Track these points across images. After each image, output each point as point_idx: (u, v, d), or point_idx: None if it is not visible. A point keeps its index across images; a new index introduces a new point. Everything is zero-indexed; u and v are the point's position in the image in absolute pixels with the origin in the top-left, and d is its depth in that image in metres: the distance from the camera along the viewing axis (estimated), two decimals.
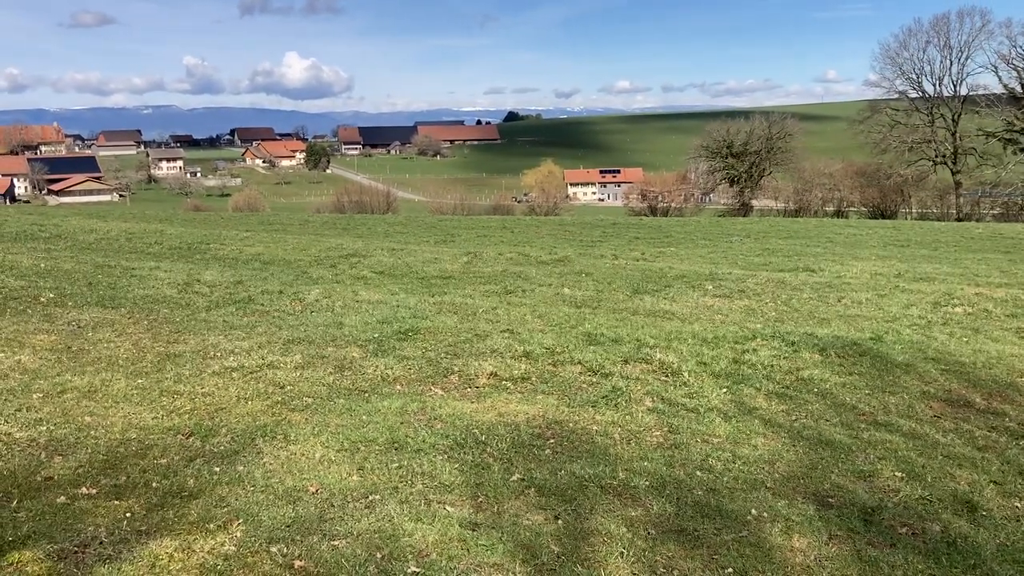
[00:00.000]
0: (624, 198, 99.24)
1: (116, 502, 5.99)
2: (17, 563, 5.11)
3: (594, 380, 9.51)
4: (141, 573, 5.10)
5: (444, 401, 8.60)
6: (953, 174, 74.45)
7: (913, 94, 79.06)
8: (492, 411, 8.32)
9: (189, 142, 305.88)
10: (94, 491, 6.16)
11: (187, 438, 7.30)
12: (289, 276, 16.98)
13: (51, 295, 13.04)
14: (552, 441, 7.57)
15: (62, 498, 6.00)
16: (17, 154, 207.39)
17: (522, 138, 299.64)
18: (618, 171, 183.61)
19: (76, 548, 5.31)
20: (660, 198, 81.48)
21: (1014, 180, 68.64)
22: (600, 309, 14.45)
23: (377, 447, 7.21)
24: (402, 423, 7.82)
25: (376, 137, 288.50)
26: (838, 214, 71.55)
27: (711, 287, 16.90)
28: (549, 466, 6.98)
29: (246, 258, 20.25)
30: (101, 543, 5.38)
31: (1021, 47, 70.73)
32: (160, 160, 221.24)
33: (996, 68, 72.57)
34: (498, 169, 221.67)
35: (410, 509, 6.06)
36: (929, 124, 76.56)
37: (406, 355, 10.23)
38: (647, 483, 6.72)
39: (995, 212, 68.15)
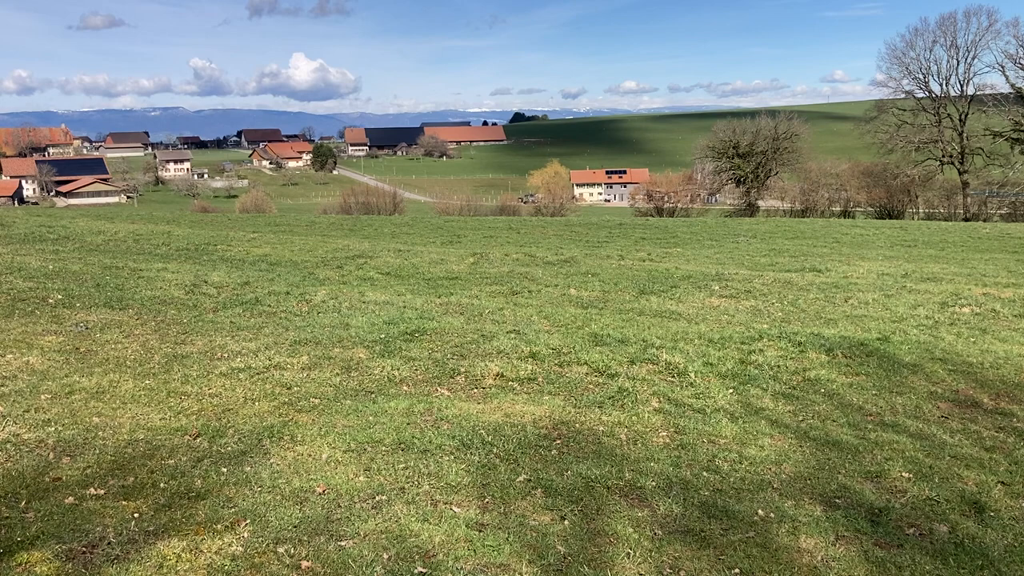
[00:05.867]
0: (630, 198, 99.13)
1: (124, 503, 6.02)
2: (26, 563, 5.13)
3: (600, 381, 9.52)
4: (149, 573, 5.12)
5: (451, 402, 8.62)
6: (960, 174, 74.09)
7: (920, 94, 78.69)
8: (498, 412, 8.33)
9: (196, 144, 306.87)
10: (102, 492, 6.18)
11: (194, 439, 7.33)
12: (296, 277, 17.01)
13: (59, 296, 13.10)
14: (558, 442, 7.57)
15: (70, 499, 6.03)
16: (25, 156, 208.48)
17: (528, 139, 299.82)
18: (624, 172, 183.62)
19: (84, 548, 5.33)
20: (666, 198, 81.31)
21: (1021, 180, 68.27)
22: (606, 310, 14.45)
23: (384, 448, 7.22)
24: (408, 424, 7.84)
25: (382, 138, 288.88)
26: (845, 214, 71.33)
27: (717, 287, 16.88)
28: (555, 467, 6.98)
29: (253, 259, 20.29)
30: (109, 543, 5.41)
31: None
32: (167, 162, 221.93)
33: (1003, 68, 72.14)
34: (504, 170, 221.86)
35: (417, 510, 6.07)
36: (936, 124, 76.17)
37: (412, 356, 10.24)
38: (654, 483, 6.72)
39: (1002, 212, 67.85)
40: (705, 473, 6.99)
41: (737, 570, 5.47)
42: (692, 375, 9.77)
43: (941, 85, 76.84)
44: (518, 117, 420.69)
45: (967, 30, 74.67)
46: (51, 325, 11.29)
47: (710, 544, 5.78)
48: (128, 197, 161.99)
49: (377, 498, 6.24)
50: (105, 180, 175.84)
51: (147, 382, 8.94)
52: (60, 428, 7.46)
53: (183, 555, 5.33)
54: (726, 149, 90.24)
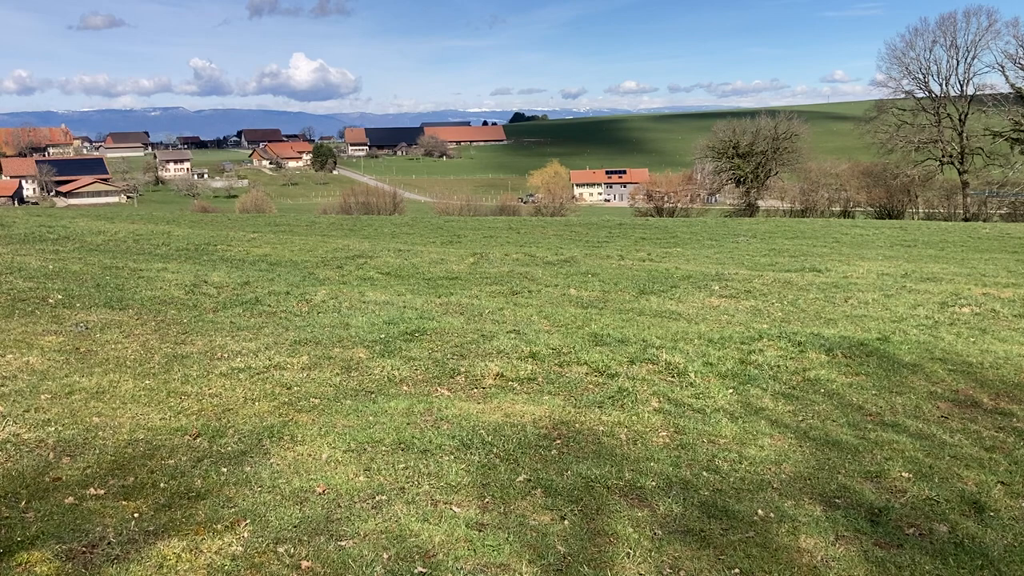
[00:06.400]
0: (630, 199, 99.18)
1: (124, 503, 6.02)
2: (26, 563, 5.13)
3: (600, 381, 9.52)
4: (149, 573, 5.12)
5: (450, 402, 8.62)
6: (960, 174, 74.12)
7: (920, 94, 78.69)
8: (498, 412, 8.33)
9: (196, 144, 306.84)
10: (102, 492, 6.18)
11: (194, 439, 7.33)
12: (296, 277, 17.01)
13: (59, 296, 13.10)
14: (558, 442, 7.58)
15: (70, 499, 6.03)
16: (25, 156, 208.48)
17: (528, 139, 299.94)
18: (624, 172, 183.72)
19: (84, 548, 5.33)
20: (666, 198, 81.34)
21: (1021, 180, 68.27)
22: (606, 310, 14.45)
23: (384, 448, 7.22)
24: (408, 424, 7.84)
25: (382, 138, 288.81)
26: (844, 214, 71.34)
27: (717, 287, 16.89)
28: (555, 466, 6.98)
29: (253, 259, 20.29)
30: (109, 543, 5.41)
31: None
32: (167, 162, 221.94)
33: (1003, 67, 72.19)
34: (504, 170, 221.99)
35: (417, 509, 6.07)
36: (936, 124, 76.19)
37: (412, 356, 10.24)
38: (654, 483, 6.72)
39: (1002, 212, 67.87)
40: (705, 473, 6.99)
41: (737, 570, 5.47)
42: (692, 375, 9.77)
43: (941, 85, 76.94)
44: (518, 117, 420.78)
45: (967, 30, 74.76)
46: (51, 325, 11.29)
47: (710, 544, 5.78)
48: (128, 197, 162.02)
49: (377, 498, 6.24)
50: (105, 180, 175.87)
51: (147, 382, 8.94)
52: (60, 428, 7.46)
53: (183, 555, 5.33)
54: (726, 149, 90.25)
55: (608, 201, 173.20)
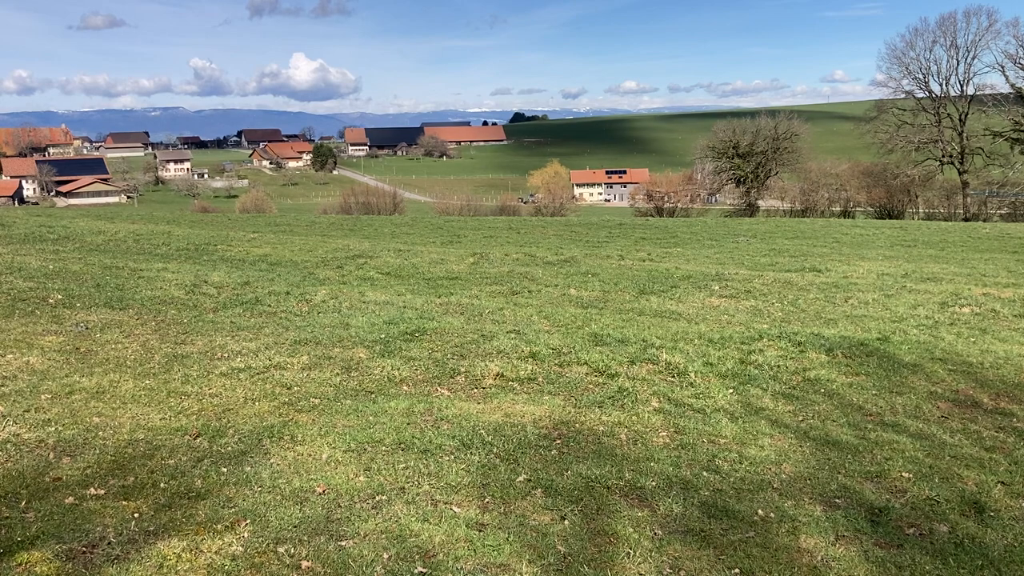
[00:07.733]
0: (630, 198, 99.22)
1: (124, 503, 6.02)
2: (26, 563, 5.13)
3: (600, 381, 9.52)
4: (149, 573, 5.12)
5: (451, 402, 8.62)
6: (960, 174, 74.11)
7: (920, 94, 78.66)
8: (498, 412, 8.33)
9: (196, 144, 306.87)
10: (102, 492, 6.18)
11: (195, 439, 7.33)
12: (296, 277, 17.01)
13: (59, 296, 13.10)
14: (558, 442, 7.57)
15: (70, 499, 6.03)
16: (26, 156, 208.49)
17: (528, 139, 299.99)
18: (624, 172, 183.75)
19: (84, 548, 5.33)
20: (666, 198, 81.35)
21: (1021, 180, 68.29)
22: (606, 310, 14.45)
23: (384, 448, 7.22)
24: (409, 424, 7.84)
25: (383, 138, 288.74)
26: (844, 214, 71.36)
27: (717, 287, 16.89)
28: (555, 466, 6.98)
29: (253, 259, 20.29)
30: (109, 543, 5.41)
31: None
32: (168, 162, 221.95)
33: (1003, 68, 72.17)
34: (505, 170, 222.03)
35: (417, 510, 6.07)
36: (936, 124, 76.17)
37: (412, 356, 10.24)
38: (654, 483, 6.72)
39: (1002, 212, 67.91)
40: (705, 473, 6.99)
41: (737, 570, 5.47)
42: (692, 375, 9.77)
43: (941, 85, 76.90)
44: (518, 117, 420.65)
45: (967, 30, 74.74)
46: (51, 325, 11.29)
47: (710, 544, 5.78)
48: (128, 197, 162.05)
49: (377, 498, 6.24)
50: (105, 180, 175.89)
51: (147, 382, 8.94)
52: (60, 428, 7.46)
53: (183, 555, 5.33)
54: (726, 149, 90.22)
55: (608, 201, 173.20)
